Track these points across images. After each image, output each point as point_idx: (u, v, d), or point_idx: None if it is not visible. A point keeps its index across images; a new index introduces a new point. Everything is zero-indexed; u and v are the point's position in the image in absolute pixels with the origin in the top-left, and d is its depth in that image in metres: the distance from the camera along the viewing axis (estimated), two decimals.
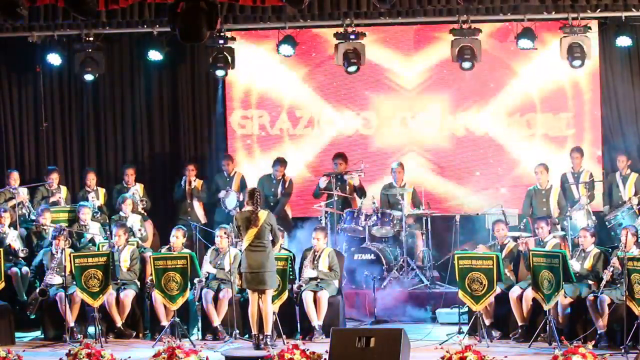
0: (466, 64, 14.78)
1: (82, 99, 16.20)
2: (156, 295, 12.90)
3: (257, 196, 12.23)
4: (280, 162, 15.24)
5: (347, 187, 15.13)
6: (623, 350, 11.53)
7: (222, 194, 15.12)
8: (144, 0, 13.99)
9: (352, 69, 14.97)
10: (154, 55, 15.41)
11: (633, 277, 11.68)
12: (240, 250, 12.93)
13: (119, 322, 13.12)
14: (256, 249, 12.14)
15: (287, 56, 15.29)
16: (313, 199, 15.33)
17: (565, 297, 12.31)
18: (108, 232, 13.98)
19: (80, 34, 15.18)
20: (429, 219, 14.73)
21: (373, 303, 13.88)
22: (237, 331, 12.74)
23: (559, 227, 14.13)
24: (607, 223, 14.23)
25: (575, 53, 14.52)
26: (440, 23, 15.16)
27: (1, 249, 13.21)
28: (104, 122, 16.23)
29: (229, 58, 15.26)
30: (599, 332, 12.03)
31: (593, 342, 11.39)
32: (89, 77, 15.31)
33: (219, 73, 15.33)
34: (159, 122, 16.25)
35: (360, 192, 15.15)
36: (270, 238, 12.25)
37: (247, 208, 12.24)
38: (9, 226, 13.96)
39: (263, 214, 12.18)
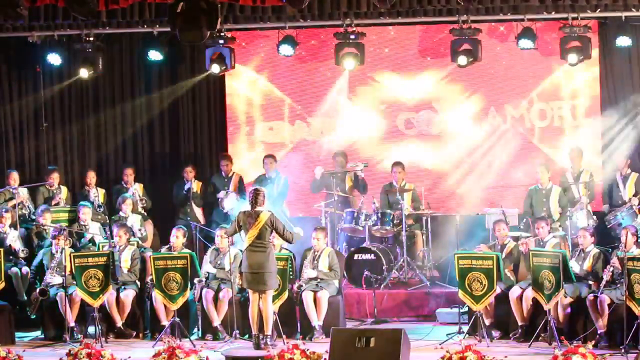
0: (462, 60, 14.78)
1: (82, 99, 16.20)
2: (156, 295, 12.91)
3: (260, 197, 12.24)
4: (271, 157, 15.27)
5: (347, 186, 15.14)
6: (623, 350, 11.53)
7: (221, 194, 15.13)
8: (144, 0, 13.99)
9: (349, 67, 14.97)
10: (154, 55, 15.42)
11: (633, 277, 11.69)
12: (241, 250, 12.97)
13: (119, 322, 13.11)
14: (257, 249, 12.15)
15: (287, 56, 15.29)
16: (313, 199, 15.34)
17: (565, 297, 12.31)
18: (108, 232, 13.98)
19: (80, 34, 15.18)
20: (429, 219, 14.74)
21: (373, 303, 13.89)
22: (237, 331, 12.75)
23: (560, 228, 14.12)
24: (607, 223, 14.23)
25: (574, 53, 14.52)
26: (440, 23, 15.16)
27: (1, 249, 13.21)
28: (104, 122, 16.23)
29: (229, 58, 15.26)
30: (599, 332, 12.03)
31: (593, 342, 11.40)
32: (84, 74, 15.34)
33: (215, 70, 15.30)
34: (159, 122, 16.26)
35: (363, 186, 15.14)
36: (271, 239, 12.27)
37: (250, 208, 12.25)
38: (10, 226, 13.96)
39: (265, 215, 12.18)
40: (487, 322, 12.71)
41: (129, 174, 15.31)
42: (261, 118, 16.10)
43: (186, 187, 15.27)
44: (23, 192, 14.77)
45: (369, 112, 15.90)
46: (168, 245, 13.42)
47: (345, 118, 15.93)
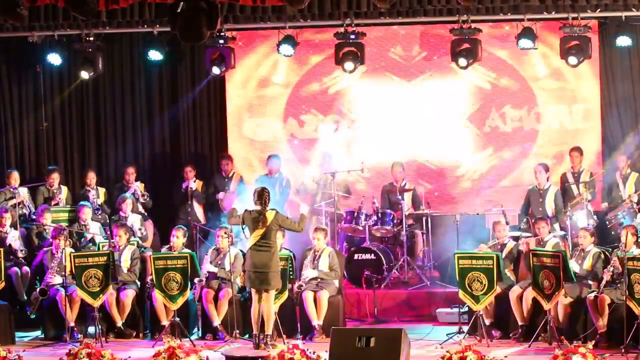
0: (462, 62, 14.79)
1: (82, 99, 16.20)
2: (156, 295, 12.90)
3: (266, 196, 12.23)
4: (276, 157, 15.27)
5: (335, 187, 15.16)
6: (623, 350, 11.53)
7: (221, 195, 15.12)
8: (144, 0, 13.99)
9: (349, 67, 14.98)
10: (154, 55, 15.42)
11: (633, 277, 11.68)
12: (241, 250, 12.97)
13: (119, 322, 13.11)
14: (261, 248, 12.13)
15: (288, 56, 15.29)
16: (313, 199, 15.33)
17: (565, 297, 12.31)
18: (108, 232, 13.98)
19: (80, 34, 15.18)
20: (429, 219, 14.74)
21: (373, 303, 13.89)
22: (237, 331, 12.75)
23: (556, 226, 14.12)
24: (607, 223, 14.23)
25: (574, 53, 14.52)
26: (440, 23, 15.17)
27: (1, 249, 13.21)
28: (104, 122, 16.23)
29: (229, 58, 15.27)
30: (599, 332, 12.03)
31: (593, 342, 11.40)
32: (85, 75, 15.34)
33: (215, 72, 15.32)
34: (159, 122, 16.26)
35: (347, 192, 15.24)
36: (276, 238, 12.27)
37: (255, 208, 12.23)
38: (10, 226, 13.96)
39: (271, 214, 12.17)
40: (487, 322, 12.71)
41: (130, 173, 15.31)
42: (260, 117, 16.09)
43: (184, 186, 15.27)
44: (23, 192, 14.77)
45: (368, 111, 15.90)
46: (168, 245, 13.43)
47: (343, 117, 15.94)
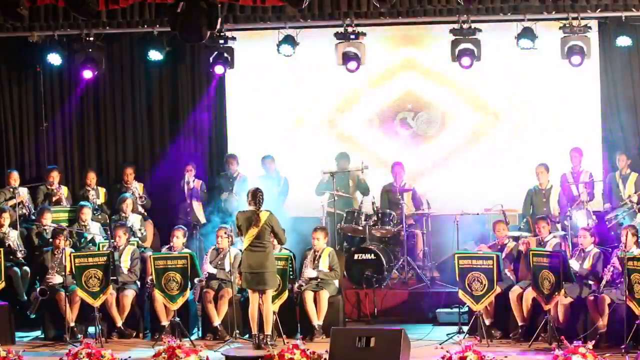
0: (465, 61, 14.80)
1: (82, 99, 16.20)
2: (156, 295, 12.91)
3: (259, 196, 12.23)
4: (270, 157, 15.26)
5: (350, 187, 15.15)
6: (623, 350, 11.54)
7: (224, 195, 15.11)
8: (144, 0, 13.99)
9: (352, 66, 14.99)
10: (154, 55, 15.42)
11: (633, 277, 11.69)
12: (241, 250, 12.98)
13: (119, 322, 13.12)
14: (256, 249, 12.15)
15: (288, 56, 15.29)
16: (313, 199, 15.34)
17: (565, 297, 12.31)
18: (108, 232, 13.99)
19: (80, 34, 15.18)
20: (429, 219, 14.74)
21: (373, 303, 13.89)
22: (237, 331, 12.75)
23: (559, 226, 14.13)
24: (607, 223, 14.23)
25: (575, 53, 14.52)
26: (440, 23, 15.17)
27: (1, 249, 13.21)
28: (104, 122, 16.23)
29: (229, 58, 15.27)
30: (599, 332, 12.04)
31: (593, 342, 11.40)
32: (88, 75, 15.35)
33: (218, 71, 15.33)
34: (159, 122, 16.26)
35: (365, 188, 15.20)
36: (271, 238, 12.27)
37: (249, 208, 12.24)
38: (9, 226, 13.96)
39: (264, 215, 12.19)
40: (487, 322, 12.71)
41: (130, 173, 15.32)
42: (260, 117, 16.09)
43: (182, 184, 15.27)
44: (23, 192, 14.77)
45: (367, 111, 15.91)
46: (168, 245, 13.43)
47: (343, 117, 15.95)
